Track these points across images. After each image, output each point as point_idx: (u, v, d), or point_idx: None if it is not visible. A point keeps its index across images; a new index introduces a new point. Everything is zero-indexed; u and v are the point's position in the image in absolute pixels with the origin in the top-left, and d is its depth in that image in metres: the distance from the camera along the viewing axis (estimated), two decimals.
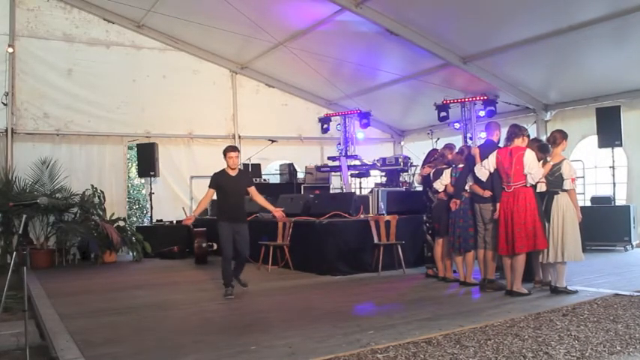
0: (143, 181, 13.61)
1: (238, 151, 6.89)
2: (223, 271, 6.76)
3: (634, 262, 8.63)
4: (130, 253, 11.20)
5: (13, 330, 4.98)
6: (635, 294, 5.86)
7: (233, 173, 6.85)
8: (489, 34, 9.86)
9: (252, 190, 6.97)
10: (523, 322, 4.83)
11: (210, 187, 6.89)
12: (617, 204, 10.35)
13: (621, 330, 4.42)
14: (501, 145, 6.62)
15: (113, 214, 11.39)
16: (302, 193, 11.70)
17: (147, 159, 12.24)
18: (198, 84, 13.21)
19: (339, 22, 10.42)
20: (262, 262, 8.87)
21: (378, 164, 11.97)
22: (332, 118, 13.16)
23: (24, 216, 4.96)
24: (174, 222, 12.06)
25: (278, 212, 7.08)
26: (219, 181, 6.83)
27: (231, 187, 6.81)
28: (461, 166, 6.99)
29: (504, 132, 6.56)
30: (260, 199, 7.05)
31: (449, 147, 7.55)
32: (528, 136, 6.42)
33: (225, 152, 6.87)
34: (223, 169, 6.92)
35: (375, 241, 8.27)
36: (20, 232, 4.94)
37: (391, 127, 15.48)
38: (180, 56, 13.05)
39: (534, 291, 6.34)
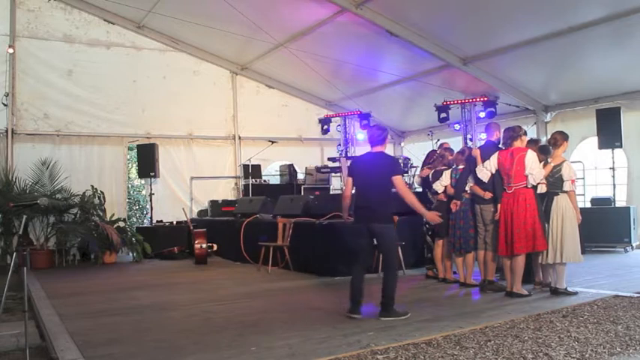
0: (143, 181, 13.61)
1: None
2: (395, 286, 5.55)
3: (634, 264, 8.62)
4: (130, 254, 11.19)
5: (13, 331, 4.98)
6: (635, 295, 5.85)
7: None
8: (489, 35, 9.88)
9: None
10: (523, 323, 4.83)
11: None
12: (617, 205, 10.34)
13: (621, 331, 4.42)
14: (501, 146, 6.62)
15: (113, 214, 11.40)
16: (302, 194, 11.69)
17: (147, 160, 12.24)
18: (199, 85, 13.23)
19: (339, 23, 10.43)
20: (262, 262, 8.87)
21: None
22: (332, 119, 13.14)
23: (24, 217, 4.97)
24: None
25: None
26: None
27: None
28: (461, 167, 6.98)
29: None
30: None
31: (447, 148, 7.55)
32: (525, 133, 6.35)
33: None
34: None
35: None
36: (20, 232, 4.94)
37: (391, 128, 15.47)
38: (181, 57, 13.06)
39: (534, 292, 6.33)
